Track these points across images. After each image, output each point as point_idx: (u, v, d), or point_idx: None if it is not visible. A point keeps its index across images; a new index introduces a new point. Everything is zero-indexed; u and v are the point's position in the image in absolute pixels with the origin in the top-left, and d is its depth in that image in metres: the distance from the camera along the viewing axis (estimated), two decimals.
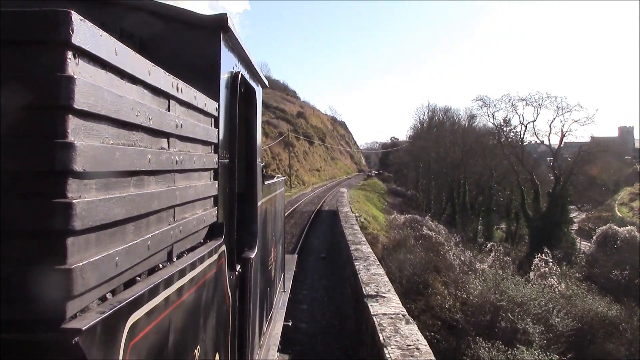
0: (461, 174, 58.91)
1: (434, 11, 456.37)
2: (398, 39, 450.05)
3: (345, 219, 17.01)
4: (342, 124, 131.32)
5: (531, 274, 29.41)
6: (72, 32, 1.09)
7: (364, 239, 10.72)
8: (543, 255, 30.48)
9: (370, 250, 9.21)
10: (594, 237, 40.65)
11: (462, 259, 29.33)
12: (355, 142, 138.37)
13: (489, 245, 33.35)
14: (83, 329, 1.07)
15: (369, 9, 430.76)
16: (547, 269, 29.10)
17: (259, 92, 4.09)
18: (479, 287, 22.57)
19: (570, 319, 21.19)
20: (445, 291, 23.03)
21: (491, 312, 20.50)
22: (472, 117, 64.66)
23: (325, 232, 22.18)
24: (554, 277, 27.78)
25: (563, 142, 51.51)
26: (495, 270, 26.14)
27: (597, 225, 47.30)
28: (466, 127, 64.88)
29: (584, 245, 47.87)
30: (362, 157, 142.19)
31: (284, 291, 6.79)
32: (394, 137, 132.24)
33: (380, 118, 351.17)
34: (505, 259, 29.26)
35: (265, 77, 4.42)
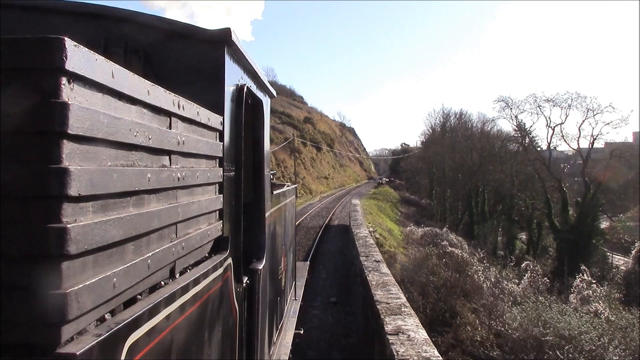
0: (479, 181, 55.08)
1: (444, 16, 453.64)
2: (407, 45, 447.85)
3: (365, 250, 11.85)
4: (351, 130, 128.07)
5: (571, 297, 25.70)
6: (66, 58, 1.09)
7: (403, 296, 6.55)
8: (584, 275, 26.63)
9: (424, 333, 4.89)
10: (633, 252, 36.62)
11: (492, 279, 25.79)
12: (364, 149, 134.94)
13: (524, 264, 29.54)
14: (77, 353, 1.07)
15: (378, 16, 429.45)
16: (589, 291, 25.28)
17: (266, 102, 4.00)
18: (518, 317, 18.78)
19: (629, 356, 17.42)
20: (477, 321, 19.60)
21: (535, 348, 16.79)
22: (485, 121, 61.37)
23: (335, 258, 18.45)
24: (599, 301, 24.00)
25: (574, 148, 47.67)
26: (536, 297, 22.53)
27: (633, 237, 43.13)
28: (481, 131, 61.30)
29: (615, 259, 43.86)
30: (372, 164, 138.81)
31: (295, 299, 6.62)
32: (404, 143, 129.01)
33: (388, 125, 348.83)
34: (543, 280, 25.48)
35: (271, 82, 4.40)
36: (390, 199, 57.75)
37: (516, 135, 52.19)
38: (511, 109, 50.77)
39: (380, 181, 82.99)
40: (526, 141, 50.81)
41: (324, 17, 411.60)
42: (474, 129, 62.43)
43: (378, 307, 5.51)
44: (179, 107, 1.88)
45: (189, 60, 2.62)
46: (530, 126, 51.63)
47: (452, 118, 69.16)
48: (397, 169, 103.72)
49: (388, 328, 4.78)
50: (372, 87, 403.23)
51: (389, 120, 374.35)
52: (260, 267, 3.32)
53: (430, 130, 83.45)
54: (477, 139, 57.26)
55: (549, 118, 49.65)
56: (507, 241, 53.57)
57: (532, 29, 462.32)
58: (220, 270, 2.35)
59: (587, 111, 45.37)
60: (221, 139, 2.55)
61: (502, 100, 51.27)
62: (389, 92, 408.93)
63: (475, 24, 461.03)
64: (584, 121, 46.24)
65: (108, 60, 1.31)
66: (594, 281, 26.23)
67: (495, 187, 55.96)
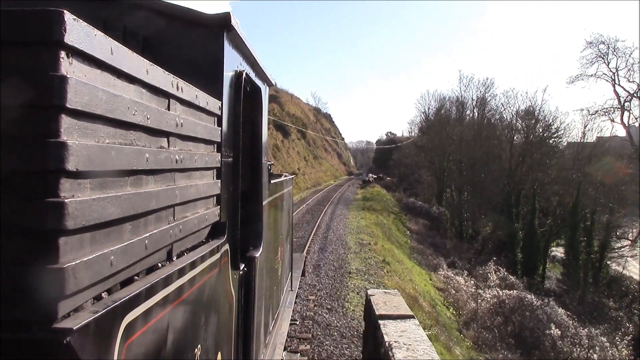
0: (525, 182, 36.73)
1: (417, 11, 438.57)
2: (385, 43, 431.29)
3: None
4: (327, 117, 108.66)
5: None
6: (65, 32, 1.08)
7: None
8: None
9: None
10: None
11: None
12: (343, 139, 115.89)
13: None
14: (74, 328, 1.06)
15: (353, 14, 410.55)
16: None
17: (264, 90, 3.95)
18: None
19: None
20: None
21: None
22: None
23: None
24: None
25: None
26: None
27: None
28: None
29: None
30: (351, 156, 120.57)
31: (292, 290, 6.57)
32: (390, 132, 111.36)
33: (366, 116, 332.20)
34: None
35: None
36: (389, 206, 38.94)
37: (615, 107, 33.86)
38: (616, 56, 31.32)
39: (367, 179, 63.92)
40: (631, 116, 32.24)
41: (298, 9, 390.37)
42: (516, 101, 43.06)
43: None
44: (177, 88, 1.87)
45: (188, 44, 2.58)
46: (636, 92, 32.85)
47: (474, 88, 50.70)
48: (385, 162, 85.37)
49: None
50: (347, 78, 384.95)
51: (366, 112, 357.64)
52: (257, 255, 3.32)
53: (423, 116, 66.99)
54: (526, 119, 38.40)
55: None
56: (570, 273, 35.54)
57: (519, 23, 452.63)
58: (217, 256, 2.32)
59: None
60: (219, 124, 2.52)
61: (598, 44, 31.70)
62: (365, 83, 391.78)
63: (456, 26, 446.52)
64: None
65: (107, 37, 1.28)
66: None
67: (545, 191, 37.90)
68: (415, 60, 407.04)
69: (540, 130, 36.50)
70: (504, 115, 41.84)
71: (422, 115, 71.04)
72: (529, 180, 36.06)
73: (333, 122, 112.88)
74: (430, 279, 19.72)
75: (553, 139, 37.47)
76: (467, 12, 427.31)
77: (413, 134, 79.11)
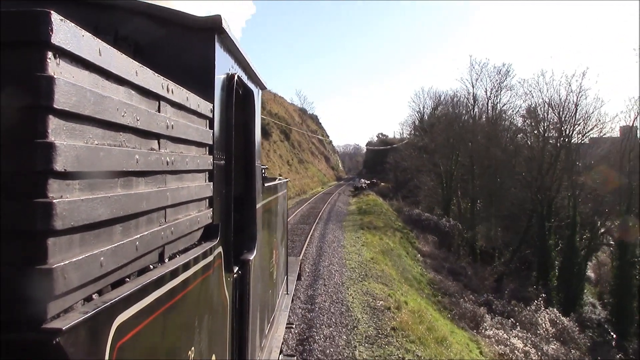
0: (557, 189, 29.79)
1: (408, 11, 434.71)
2: (367, 37, 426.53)
3: None
4: (314, 118, 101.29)
5: None
6: (52, 32, 1.08)
7: None
8: None
9: None
10: None
11: None
12: (330, 142, 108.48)
13: None
14: (64, 329, 1.06)
15: (336, 7, 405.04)
16: None
17: (257, 93, 3.95)
18: None
19: None
20: None
21: None
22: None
23: None
24: None
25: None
26: None
27: None
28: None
29: None
30: (339, 160, 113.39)
31: (287, 293, 6.54)
32: (381, 134, 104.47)
33: (352, 118, 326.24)
34: None
35: None
36: (391, 221, 31.74)
37: None
38: None
39: (359, 185, 56.55)
40: None
41: (279, 13, 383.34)
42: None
43: None
44: (168, 90, 1.87)
45: (180, 47, 2.57)
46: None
47: (487, 77, 43.77)
48: (377, 166, 78.27)
49: None
50: (333, 85, 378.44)
51: (353, 114, 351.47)
52: (251, 258, 3.29)
53: (417, 115, 60.90)
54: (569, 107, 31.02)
55: None
56: (617, 307, 28.53)
57: (510, 26, 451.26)
58: (210, 258, 2.31)
59: None
60: (211, 126, 2.53)
61: None
62: (353, 89, 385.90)
63: (454, 25, 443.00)
64: None
65: (95, 38, 1.28)
66: None
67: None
68: (405, 61, 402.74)
69: (579, 123, 29.77)
70: (528, 106, 34.84)
71: (417, 115, 64.55)
72: (565, 186, 29.05)
73: (320, 123, 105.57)
74: (481, 352, 12.36)
75: (593, 133, 30.87)
76: (463, 9, 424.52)
77: (405, 135, 72.41)
